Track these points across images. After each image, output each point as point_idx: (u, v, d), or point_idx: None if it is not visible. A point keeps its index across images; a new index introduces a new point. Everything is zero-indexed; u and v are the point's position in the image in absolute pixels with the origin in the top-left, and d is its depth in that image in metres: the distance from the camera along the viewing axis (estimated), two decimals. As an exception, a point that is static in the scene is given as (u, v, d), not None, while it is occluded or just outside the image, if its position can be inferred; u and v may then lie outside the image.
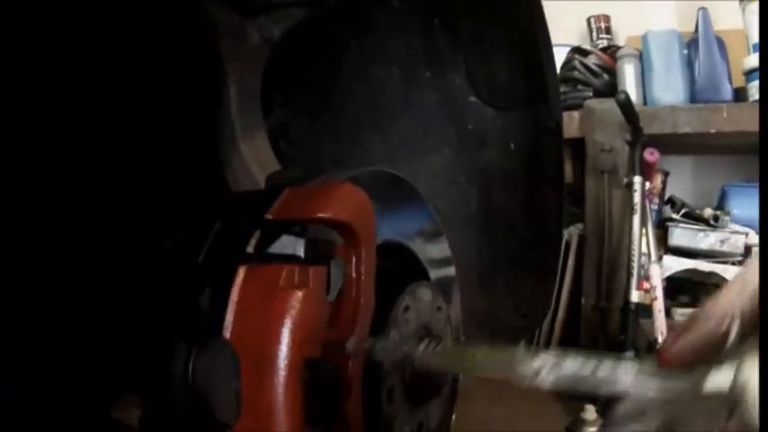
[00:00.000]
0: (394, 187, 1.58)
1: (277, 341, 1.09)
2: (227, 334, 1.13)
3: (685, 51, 4.74)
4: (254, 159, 1.76)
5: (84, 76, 1.53)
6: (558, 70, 4.88)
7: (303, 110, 2.37)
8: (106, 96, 1.58)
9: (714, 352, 0.85)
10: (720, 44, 4.75)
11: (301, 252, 1.14)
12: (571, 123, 4.49)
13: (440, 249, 1.73)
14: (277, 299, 1.10)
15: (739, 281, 0.90)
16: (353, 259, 1.24)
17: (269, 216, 1.22)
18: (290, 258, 1.14)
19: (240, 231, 1.21)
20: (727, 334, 0.85)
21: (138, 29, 1.62)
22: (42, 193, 1.40)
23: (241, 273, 1.15)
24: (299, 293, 1.10)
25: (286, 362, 1.08)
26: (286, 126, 2.37)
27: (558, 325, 4.43)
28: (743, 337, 0.83)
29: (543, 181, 2.37)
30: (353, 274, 1.24)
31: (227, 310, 1.13)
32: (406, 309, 1.42)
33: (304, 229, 1.17)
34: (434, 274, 1.66)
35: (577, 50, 4.91)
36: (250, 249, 1.18)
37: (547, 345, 4.43)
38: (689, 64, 4.73)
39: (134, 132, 1.65)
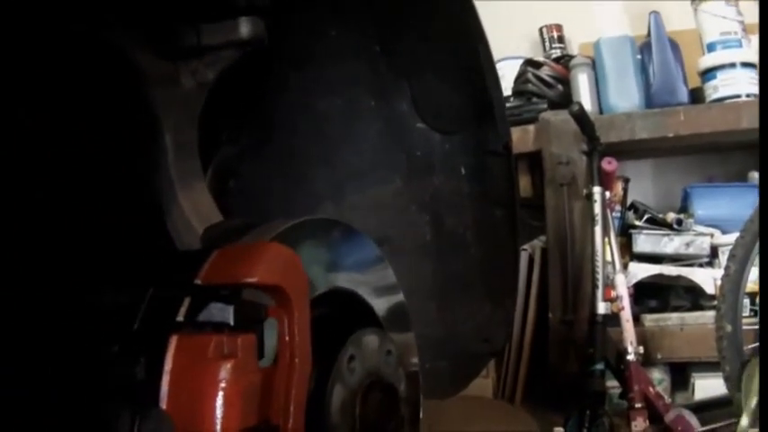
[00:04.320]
0: (329, 232, 1.57)
1: (210, 413, 1.07)
2: (163, 404, 1.10)
3: (638, 56, 4.73)
4: (193, 210, 1.73)
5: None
6: (512, 84, 4.87)
7: (250, 147, 2.35)
8: (36, 156, 1.55)
9: None
10: (674, 46, 4.74)
11: (230, 319, 1.12)
12: (527, 137, 4.47)
13: (384, 280, 1.72)
14: (207, 371, 1.08)
15: None
16: (285, 320, 1.22)
17: (198, 281, 1.19)
18: (220, 326, 1.12)
19: (171, 298, 1.19)
20: None
21: (66, 84, 1.59)
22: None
23: (173, 343, 1.13)
24: (228, 365, 1.08)
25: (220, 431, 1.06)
26: (234, 164, 2.34)
27: (527, 340, 4.41)
28: None
29: (494, 203, 2.36)
30: (287, 336, 1.21)
31: (161, 381, 1.11)
32: (351, 359, 1.40)
33: (233, 294, 1.15)
34: (383, 304, 1.65)
35: (530, 63, 4.88)
36: (180, 317, 1.15)
37: (517, 361, 4.42)
38: (643, 68, 4.72)
39: (69, 188, 1.62)
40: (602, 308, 3.73)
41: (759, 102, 4.18)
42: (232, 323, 1.12)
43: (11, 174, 1.49)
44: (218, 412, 1.07)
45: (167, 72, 1.77)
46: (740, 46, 4.52)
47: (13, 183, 1.50)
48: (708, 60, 4.62)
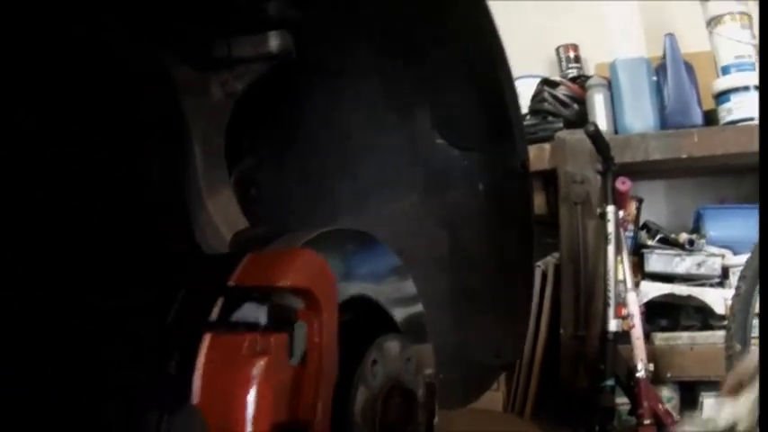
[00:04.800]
0: (354, 241, 1.60)
1: (242, 408, 1.11)
2: (195, 400, 1.14)
3: (654, 78, 4.75)
4: (221, 216, 1.77)
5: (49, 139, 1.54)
6: (528, 102, 4.90)
7: (272, 156, 2.38)
8: (69, 162, 1.59)
9: None
10: (689, 68, 4.76)
11: (263, 320, 1.16)
12: (542, 155, 4.49)
13: (405, 290, 1.75)
14: (241, 367, 1.12)
15: None
16: (315, 323, 1.26)
17: (232, 283, 1.24)
18: (253, 326, 1.16)
19: (205, 298, 1.23)
20: None
21: (101, 94, 1.63)
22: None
23: (206, 341, 1.16)
24: (262, 362, 1.12)
25: (252, 428, 1.10)
26: (256, 173, 2.37)
27: (538, 355, 4.42)
28: None
29: (511, 220, 2.38)
30: (315, 338, 1.26)
31: (194, 377, 1.15)
32: (374, 363, 1.43)
33: (265, 296, 1.19)
34: (402, 314, 1.68)
35: (546, 82, 4.91)
36: (214, 317, 1.19)
37: (528, 375, 4.43)
38: (658, 90, 4.74)
39: (101, 192, 1.65)
40: (613, 325, 3.75)
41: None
42: (265, 323, 1.16)
43: (49, 179, 1.53)
44: (251, 408, 1.11)
45: (198, 82, 1.80)
46: (754, 69, 4.55)
47: (50, 187, 1.54)
48: (722, 83, 4.65)
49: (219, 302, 1.21)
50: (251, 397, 1.11)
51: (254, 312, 1.17)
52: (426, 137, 2.37)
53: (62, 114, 1.56)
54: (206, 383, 1.14)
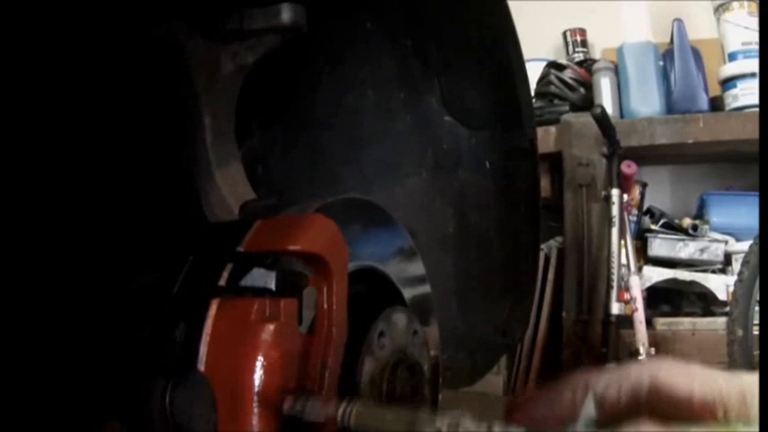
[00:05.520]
0: (366, 213, 1.59)
1: (250, 373, 1.10)
2: (201, 367, 1.13)
3: (661, 63, 4.77)
4: (230, 189, 1.76)
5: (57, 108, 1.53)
6: (535, 85, 4.91)
7: (281, 133, 2.37)
8: (79, 128, 1.59)
9: (562, 416, 0.92)
10: (696, 54, 4.78)
11: (272, 285, 1.16)
12: (548, 138, 4.50)
13: (414, 269, 1.74)
14: (249, 332, 1.12)
15: (612, 372, 0.98)
16: (325, 290, 1.25)
17: (241, 249, 1.23)
18: (262, 291, 1.16)
19: (213, 264, 1.22)
20: (574, 403, 0.92)
21: (113, 64, 1.62)
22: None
23: (214, 306, 1.16)
24: (271, 327, 1.12)
25: (259, 394, 1.10)
26: (264, 150, 2.36)
27: (539, 339, 4.43)
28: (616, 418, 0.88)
29: (518, 200, 2.37)
30: (325, 305, 1.25)
31: (200, 343, 1.14)
32: (381, 334, 1.43)
33: (275, 261, 1.19)
34: (410, 293, 1.67)
35: (553, 65, 4.93)
36: (222, 282, 1.19)
37: (529, 359, 4.44)
38: (665, 75, 4.76)
39: (109, 166, 1.65)
40: (615, 308, 3.77)
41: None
42: (274, 288, 1.16)
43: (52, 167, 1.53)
44: (258, 374, 1.10)
45: (209, 54, 1.79)
46: (761, 56, 4.56)
47: (54, 175, 1.53)
48: (728, 69, 4.67)
49: (228, 268, 1.21)
50: (258, 363, 1.10)
51: (264, 278, 1.17)
52: (435, 116, 2.36)
53: (67, 90, 1.55)
54: (213, 350, 1.14)
